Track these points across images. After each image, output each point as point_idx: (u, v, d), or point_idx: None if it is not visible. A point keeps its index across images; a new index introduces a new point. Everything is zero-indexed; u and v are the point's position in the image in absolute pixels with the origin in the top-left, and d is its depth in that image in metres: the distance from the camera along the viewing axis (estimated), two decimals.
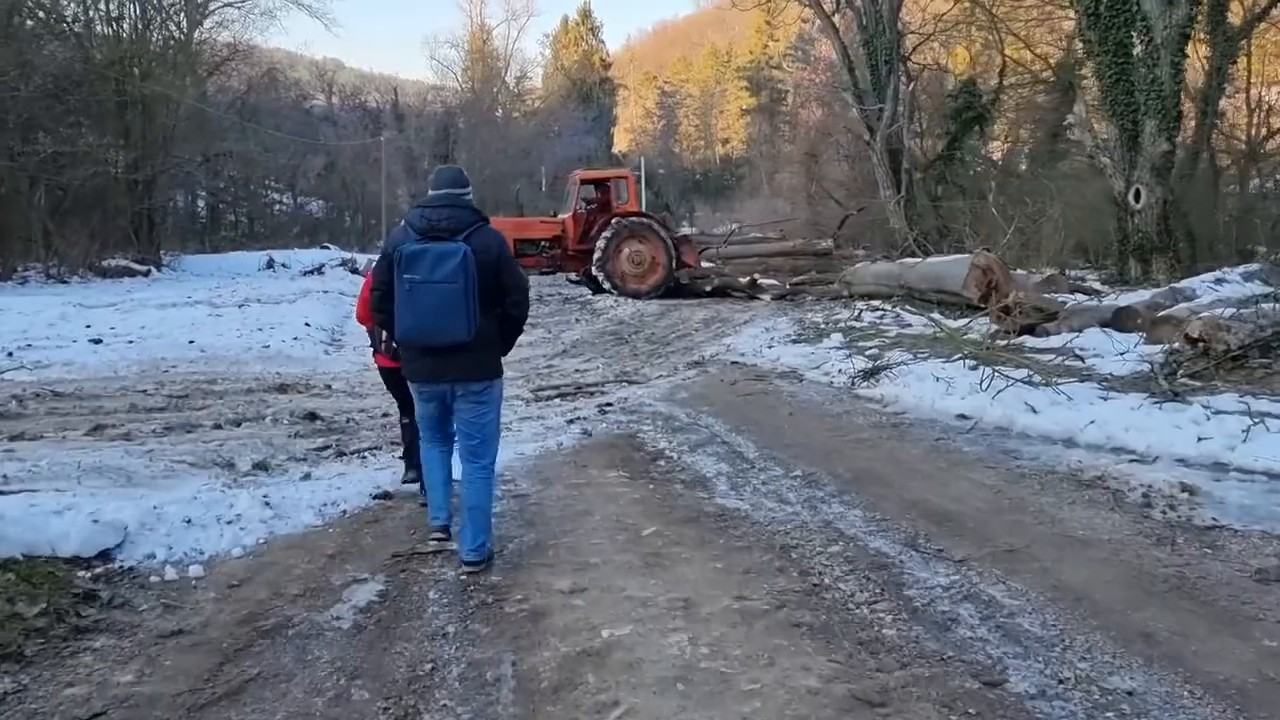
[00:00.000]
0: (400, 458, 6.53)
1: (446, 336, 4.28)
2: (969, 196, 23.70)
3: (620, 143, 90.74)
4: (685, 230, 64.99)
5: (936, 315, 12.55)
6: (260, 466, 6.00)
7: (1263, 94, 25.93)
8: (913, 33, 24.28)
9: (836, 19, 23.77)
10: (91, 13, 28.41)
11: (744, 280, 19.35)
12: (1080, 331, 10.64)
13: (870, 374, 9.11)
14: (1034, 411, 7.18)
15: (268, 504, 5.12)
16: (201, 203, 53.00)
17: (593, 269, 19.62)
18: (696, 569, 4.42)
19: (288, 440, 6.75)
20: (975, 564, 4.38)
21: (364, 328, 6.09)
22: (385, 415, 7.87)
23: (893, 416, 7.72)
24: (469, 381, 4.50)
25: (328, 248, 41.11)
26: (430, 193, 4.48)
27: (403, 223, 4.56)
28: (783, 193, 57.81)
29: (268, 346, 10.93)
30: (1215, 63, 18.58)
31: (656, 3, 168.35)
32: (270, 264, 32.56)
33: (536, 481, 6.07)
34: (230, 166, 47.57)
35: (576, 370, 10.53)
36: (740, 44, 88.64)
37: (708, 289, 19.55)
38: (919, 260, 15.41)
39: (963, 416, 7.43)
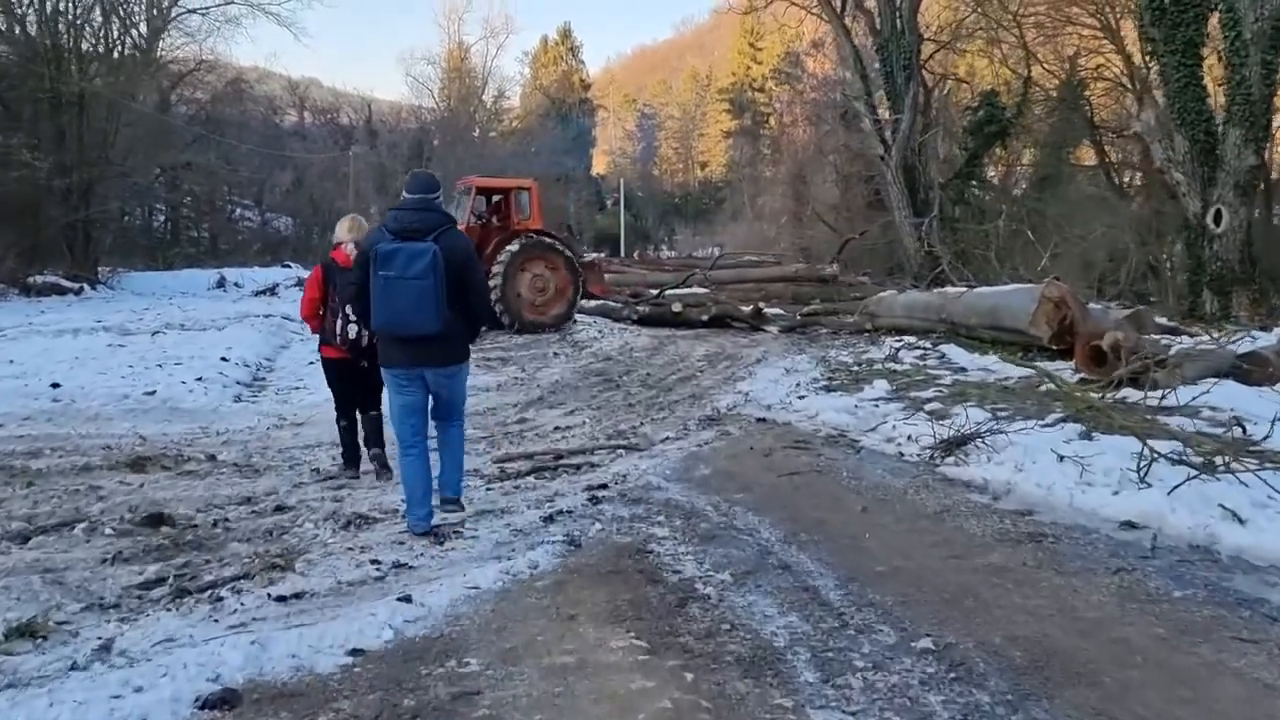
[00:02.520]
0: (271, 568, 4.21)
1: (418, 328, 4.72)
2: (989, 218, 21.60)
3: (599, 164, 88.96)
4: (668, 253, 62.92)
5: (1038, 364, 10.26)
6: (21, 633, 3.52)
7: None
8: (930, 39, 22.06)
9: (847, 21, 21.52)
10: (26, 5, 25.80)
11: (747, 309, 16.96)
12: (1197, 383, 8.38)
13: (955, 445, 6.74)
14: (1239, 521, 4.84)
15: None
16: (161, 217, 50.44)
17: None
18: None
19: (98, 569, 4.28)
20: None
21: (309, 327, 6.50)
22: (280, 509, 5.41)
23: (1018, 519, 5.33)
24: (439, 366, 4.98)
25: (289, 266, 38.71)
26: (404, 196, 4.92)
27: (379, 225, 5.00)
28: (766, 216, 55.92)
29: (152, 393, 8.33)
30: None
31: (635, 27, 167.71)
32: (221, 283, 29.97)
33: (493, 654, 3.65)
34: (190, 179, 45.09)
35: (556, 428, 8.09)
36: (721, 67, 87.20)
37: (704, 318, 17.16)
38: (963, 290, 13.11)
39: (1130, 525, 5.06)
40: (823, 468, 6.65)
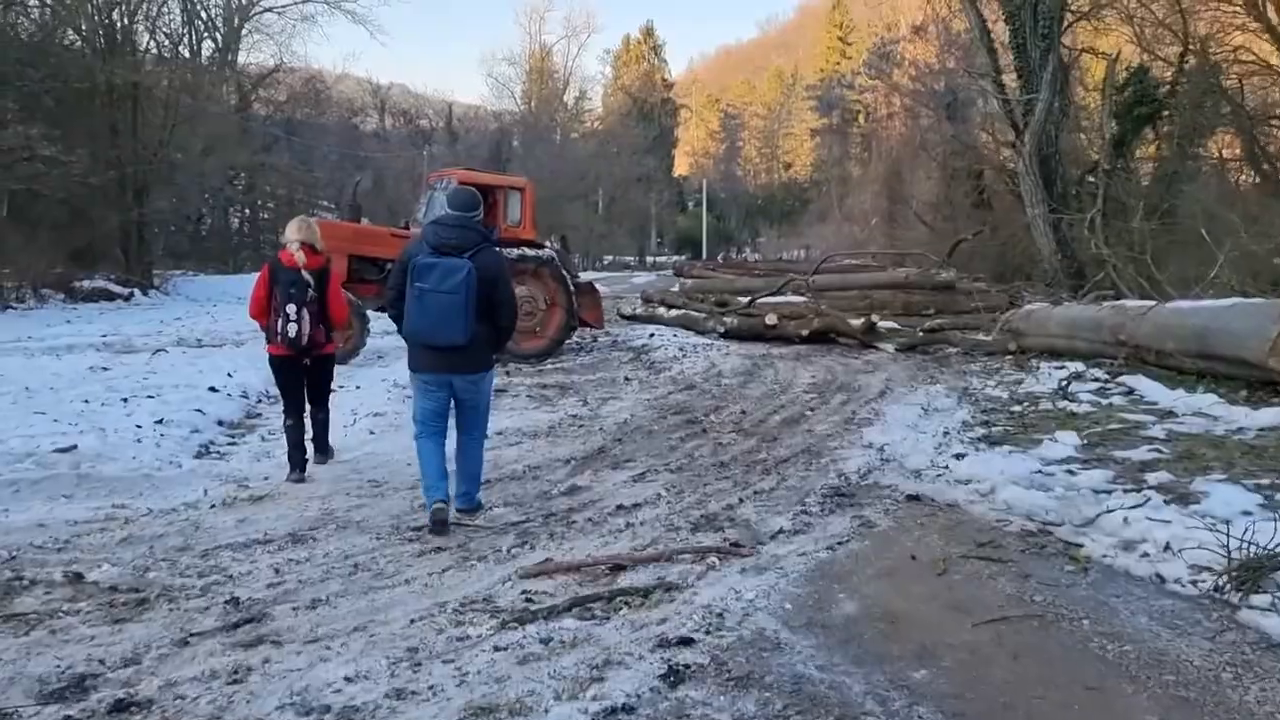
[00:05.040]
0: None
1: (446, 338, 4.97)
2: (1130, 214, 18.52)
3: (681, 165, 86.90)
4: (753, 256, 60.20)
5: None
6: None
7: None
8: (1068, 9, 18.96)
9: None
10: None
11: (856, 322, 14.30)
12: None
13: (1259, 570, 4.14)
14: None
15: None
16: (237, 220, 49.93)
17: None
18: None
19: None
20: None
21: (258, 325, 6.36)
22: (119, 710, 3.10)
23: None
24: (464, 374, 5.18)
25: None
26: (446, 211, 5.20)
27: (419, 237, 5.25)
28: (855, 217, 52.94)
29: (68, 449, 6.00)
30: None
31: (719, 27, 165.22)
32: None
33: None
34: (266, 181, 44.33)
35: (619, 506, 5.65)
36: (807, 64, 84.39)
37: (803, 333, 14.61)
38: (1151, 305, 10.31)
39: None
40: (1041, 606, 4.10)
